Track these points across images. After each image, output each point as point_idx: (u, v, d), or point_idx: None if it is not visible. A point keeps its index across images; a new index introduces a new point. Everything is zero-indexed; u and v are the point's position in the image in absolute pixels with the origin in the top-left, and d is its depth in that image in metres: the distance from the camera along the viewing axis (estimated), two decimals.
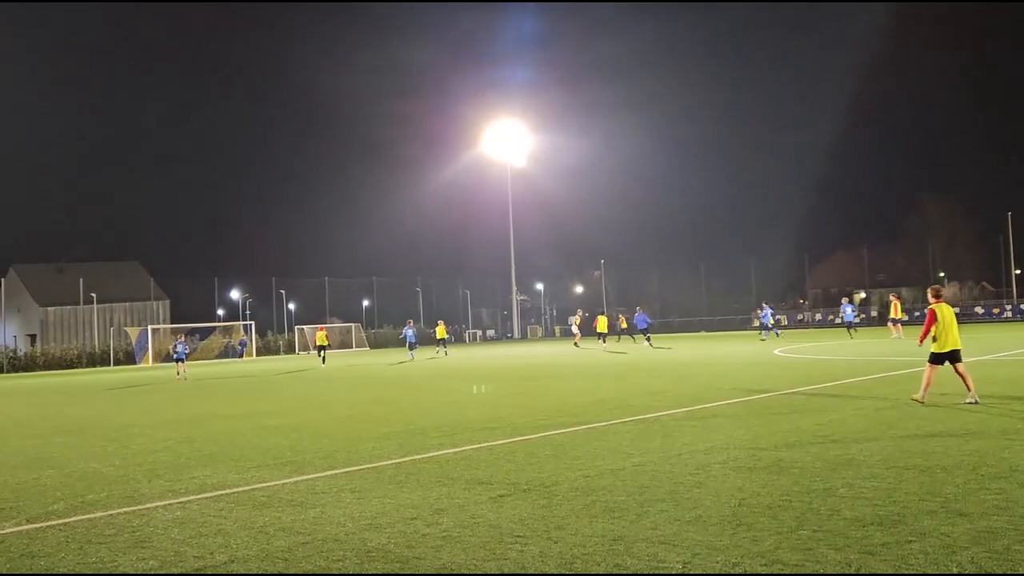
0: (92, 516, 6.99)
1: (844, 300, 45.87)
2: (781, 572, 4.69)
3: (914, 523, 5.56)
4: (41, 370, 54.43)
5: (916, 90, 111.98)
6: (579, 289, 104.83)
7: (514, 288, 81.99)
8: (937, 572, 4.59)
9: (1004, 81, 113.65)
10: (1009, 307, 61.89)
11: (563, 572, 4.87)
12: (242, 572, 5.18)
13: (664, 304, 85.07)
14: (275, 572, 5.15)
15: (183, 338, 45.12)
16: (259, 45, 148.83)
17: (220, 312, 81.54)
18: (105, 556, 5.67)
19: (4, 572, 5.41)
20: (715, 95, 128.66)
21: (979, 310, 63.24)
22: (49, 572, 5.38)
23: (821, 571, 4.67)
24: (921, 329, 12.37)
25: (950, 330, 11.96)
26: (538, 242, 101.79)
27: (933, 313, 12.08)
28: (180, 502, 7.42)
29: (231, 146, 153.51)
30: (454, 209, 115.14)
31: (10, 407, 21.36)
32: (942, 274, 77.91)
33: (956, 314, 12.53)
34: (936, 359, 12.00)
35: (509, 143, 76.76)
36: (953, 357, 11.93)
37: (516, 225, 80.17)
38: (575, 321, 45.80)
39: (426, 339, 58.16)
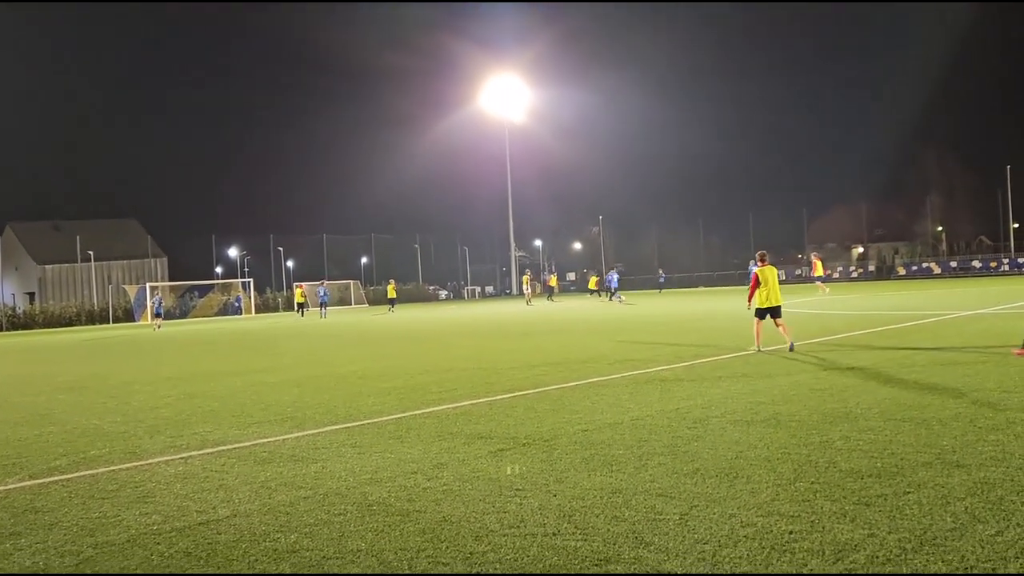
0: (94, 472, 7.04)
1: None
2: (778, 523, 4.73)
3: (911, 475, 5.60)
4: (40, 328, 54.59)
5: (915, 45, 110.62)
6: (577, 246, 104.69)
7: (512, 245, 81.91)
8: (932, 523, 4.63)
9: (1004, 35, 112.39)
10: (1007, 261, 61.74)
11: (562, 524, 4.91)
12: (245, 525, 5.23)
13: (663, 260, 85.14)
14: (277, 525, 5.20)
15: (159, 293, 49.62)
16: (257, 3, 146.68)
17: (218, 270, 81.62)
18: (108, 511, 5.72)
19: (9, 526, 5.45)
20: (715, 51, 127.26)
21: (977, 264, 62.90)
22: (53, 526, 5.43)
23: (817, 521, 4.71)
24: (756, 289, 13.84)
25: (772, 290, 13.69)
26: (537, 199, 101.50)
27: (756, 276, 13.84)
28: (182, 457, 7.47)
29: (229, 103, 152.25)
30: (453, 166, 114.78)
31: (11, 365, 21.44)
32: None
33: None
34: (760, 314, 13.75)
35: (508, 99, 76.06)
36: (774, 313, 13.71)
37: (515, 182, 79.94)
38: (525, 281, 52.83)
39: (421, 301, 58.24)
